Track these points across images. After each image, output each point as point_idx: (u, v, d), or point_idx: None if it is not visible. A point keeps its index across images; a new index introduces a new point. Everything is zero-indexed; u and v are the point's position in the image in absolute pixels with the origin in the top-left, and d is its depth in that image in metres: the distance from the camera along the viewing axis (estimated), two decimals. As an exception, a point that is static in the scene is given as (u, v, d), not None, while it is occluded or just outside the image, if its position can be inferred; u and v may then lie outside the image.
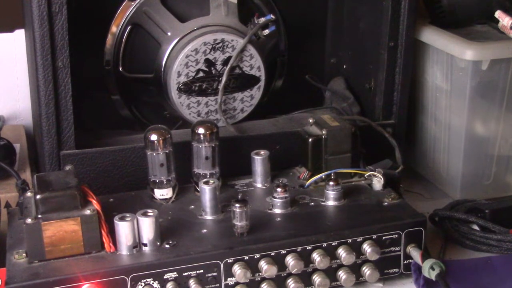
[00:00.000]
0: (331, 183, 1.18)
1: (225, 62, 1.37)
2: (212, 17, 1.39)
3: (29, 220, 1.02)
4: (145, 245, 1.06)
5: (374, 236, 1.12)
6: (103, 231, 1.05)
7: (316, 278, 1.09)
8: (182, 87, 1.36)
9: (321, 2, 1.54)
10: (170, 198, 1.20)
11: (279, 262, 1.07)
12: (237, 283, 1.07)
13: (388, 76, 1.38)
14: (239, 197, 1.15)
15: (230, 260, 1.06)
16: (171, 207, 1.19)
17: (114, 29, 1.38)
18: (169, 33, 1.37)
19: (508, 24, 1.35)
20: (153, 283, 1.03)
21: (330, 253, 1.09)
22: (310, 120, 1.28)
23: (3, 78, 1.58)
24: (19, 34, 1.55)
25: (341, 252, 1.10)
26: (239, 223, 1.08)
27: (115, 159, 1.26)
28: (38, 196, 1.03)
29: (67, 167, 1.15)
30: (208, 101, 1.39)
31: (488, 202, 1.32)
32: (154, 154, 1.19)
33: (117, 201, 1.20)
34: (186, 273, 1.04)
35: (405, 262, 1.15)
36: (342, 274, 1.11)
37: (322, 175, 1.24)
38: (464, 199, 1.37)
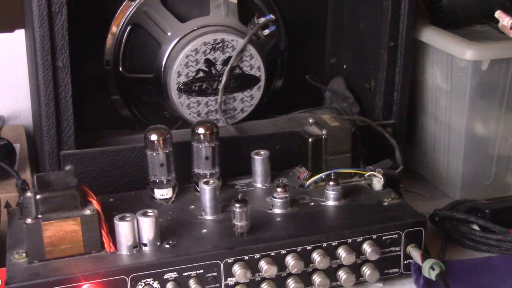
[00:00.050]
0: (331, 183, 1.18)
1: (225, 62, 1.37)
2: (212, 17, 1.39)
3: (29, 220, 1.02)
4: (145, 245, 1.06)
5: (374, 236, 1.12)
6: (103, 231, 1.05)
7: (316, 278, 1.09)
8: (182, 87, 1.36)
9: (321, 2, 1.54)
10: (170, 198, 1.20)
11: (279, 262, 1.07)
12: (237, 283, 1.07)
13: (388, 76, 1.38)
14: (239, 197, 1.15)
15: (230, 260, 1.06)
16: (171, 207, 1.19)
17: (114, 29, 1.38)
18: (169, 33, 1.37)
19: (508, 24, 1.35)
20: (153, 283, 1.03)
21: (330, 253, 1.09)
22: (310, 120, 1.28)
23: (3, 78, 1.58)
24: (19, 34, 1.55)
25: (341, 252, 1.10)
26: (239, 223, 1.08)
27: (115, 159, 1.26)
28: (38, 196, 1.03)
29: (67, 167, 1.15)
30: (208, 101, 1.39)
31: (488, 202, 1.32)
32: (154, 154, 1.19)
33: (117, 201, 1.20)
34: (186, 273, 1.04)
35: (405, 262, 1.15)
36: (342, 274, 1.11)
37: (322, 175, 1.24)
38: (464, 199, 1.37)
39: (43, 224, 1.02)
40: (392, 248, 1.13)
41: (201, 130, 1.21)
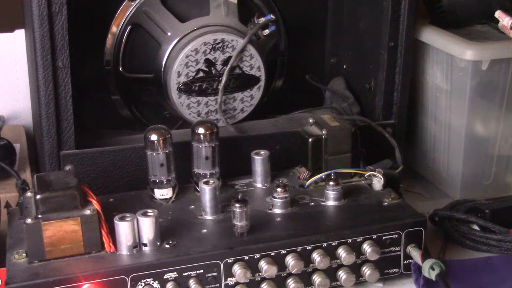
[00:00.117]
0: (331, 183, 1.18)
1: (225, 62, 1.37)
2: (212, 17, 1.39)
3: (29, 220, 1.02)
4: (145, 245, 1.06)
5: (374, 236, 1.12)
6: (103, 231, 1.05)
7: (316, 278, 1.09)
8: (182, 87, 1.36)
9: (321, 2, 1.54)
10: (170, 198, 1.20)
11: (279, 262, 1.07)
12: (237, 283, 1.07)
13: (388, 76, 1.38)
14: (239, 197, 1.15)
15: (230, 260, 1.06)
16: (171, 207, 1.19)
17: (114, 29, 1.38)
18: (169, 33, 1.37)
19: (508, 24, 1.35)
20: (153, 283, 1.03)
21: (330, 253, 1.09)
22: (310, 120, 1.28)
23: (3, 78, 1.58)
24: (19, 34, 1.55)
25: (341, 252, 1.10)
26: (239, 223, 1.08)
27: (115, 159, 1.26)
28: (38, 196, 1.03)
29: (67, 167, 1.15)
30: (208, 101, 1.39)
31: (488, 202, 1.32)
32: (154, 154, 1.19)
33: (117, 201, 1.20)
34: (186, 273, 1.04)
35: (405, 262, 1.15)
36: (342, 274, 1.11)
37: (322, 175, 1.24)
38: (464, 199, 1.37)
39: (43, 224, 1.02)
40: (392, 248, 1.13)
41: (201, 130, 1.21)
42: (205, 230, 1.11)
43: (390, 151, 1.33)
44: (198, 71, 1.36)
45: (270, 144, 1.31)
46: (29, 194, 1.12)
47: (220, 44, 1.36)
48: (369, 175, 1.24)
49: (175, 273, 1.04)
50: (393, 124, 1.40)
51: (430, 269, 1.09)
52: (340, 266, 1.11)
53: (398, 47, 1.37)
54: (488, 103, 1.37)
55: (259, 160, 1.24)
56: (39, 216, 1.02)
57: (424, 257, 1.11)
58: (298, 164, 1.30)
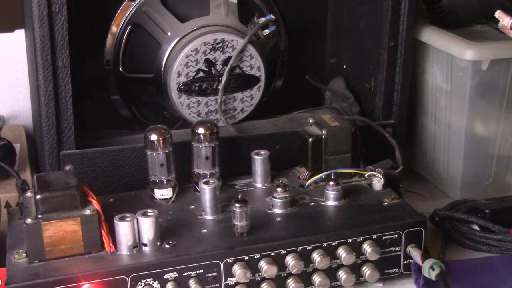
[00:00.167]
0: (331, 183, 1.18)
1: (225, 62, 1.37)
2: (212, 17, 1.39)
3: (29, 220, 1.02)
4: (145, 245, 1.06)
5: (374, 236, 1.12)
6: (103, 231, 1.05)
7: (316, 278, 1.09)
8: (182, 87, 1.36)
9: (321, 2, 1.54)
10: (170, 198, 1.20)
11: (279, 262, 1.07)
12: (237, 283, 1.07)
13: (388, 76, 1.38)
14: (239, 197, 1.15)
15: (230, 260, 1.06)
16: (171, 207, 1.19)
17: (114, 29, 1.38)
18: (169, 33, 1.37)
19: (508, 24, 1.35)
20: (153, 283, 1.03)
21: (330, 253, 1.09)
22: (310, 120, 1.28)
23: (3, 78, 1.58)
24: (19, 34, 1.55)
25: (341, 252, 1.10)
26: (239, 223, 1.08)
27: (115, 159, 1.26)
28: (38, 196, 1.03)
29: (67, 167, 1.15)
30: (208, 101, 1.39)
31: (488, 202, 1.32)
32: (154, 154, 1.19)
33: (117, 201, 1.20)
34: (186, 273, 1.04)
35: (405, 262, 1.15)
36: (342, 274, 1.11)
37: (322, 175, 1.24)
38: (464, 199, 1.37)
39: (43, 224, 1.02)
40: (392, 248, 1.13)
41: (201, 130, 1.21)
42: (205, 230, 1.11)
43: (390, 151, 1.33)
44: (198, 71, 1.36)
45: (270, 144, 1.31)
46: (29, 194, 1.12)
47: (220, 44, 1.36)
48: (369, 175, 1.24)
49: (175, 273, 1.04)
50: (393, 124, 1.40)
51: (430, 269, 1.09)
52: (340, 266, 1.11)
53: (398, 47, 1.37)
54: (488, 103, 1.37)
55: (259, 160, 1.24)
56: (39, 216, 1.02)
57: (424, 257, 1.11)
58: (298, 164, 1.30)
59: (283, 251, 1.08)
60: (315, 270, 1.10)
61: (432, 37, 1.40)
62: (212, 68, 1.37)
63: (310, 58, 1.57)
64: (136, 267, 1.03)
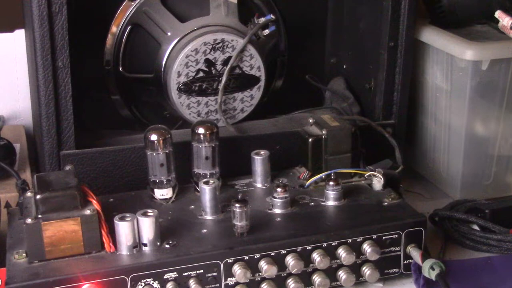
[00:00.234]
0: (331, 183, 1.18)
1: (225, 62, 1.37)
2: (212, 17, 1.39)
3: (29, 220, 1.02)
4: (145, 245, 1.06)
5: (374, 236, 1.12)
6: (103, 231, 1.05)
7: (316, 278, 1.09)
8: (182, 87, 1.36)
9: (321, 2, 1.54)
10: (170, 198, 1.20)
11: (279, 262, 1.07)
12: (237, 283, 1.07)
13: (388, 76, 1.38)
14: (239, 197, 1.15)
15: (230, 260, 1.06)
16: (171, 207, 1.19)
17: (114, 29, 1.38)
18: (169, 33, 1.37)
19: (508, 24, 1.35)
20: (153, 283, 1.03)
21: (330, 253, 1.09)
22: (310, 120, 1.28)
23: (3, 78, 1.58)
24: (19, 34, 1.55)
25: (341, 252, 1.10)
26: (239, 223, 1.08)
27: (115, 159, 1.26)
28: (38, 196, 1.03)
29: (67, 167, 1.15)
30: (208, 101, 1.39)
31: (488, 202, 1.32)
32: (154, 154, 1.19)
33: (117, 201, 1.20)
34: (186, 273, 1.04)
35: (405, 262, 1.15)
36: (342, 274, 1.11)
37: (322, 175, 1.24)
38: (464, 199, 1.37)
39: (43, 224, 1.02)
40: (392, 248, 1.13)
41: (201, 130, 1.21)
42: (205, 230, 1.11)
43: (390, 151, 1.33)
44: (198, 71, 1.36)
45: (270, 144, 1.31)
46: (29, 194, 1.12)
47: (220, 44, 1.36)
48: (369, 175, 1.24)
49: (175, 273, 1.04)
50: (393, 124, 1.40)
51: (430, 269, 1.09)
52: (340, 266, 1.11)
53: (398, 47, 1.37)
54: (488, 103, 1.37)
55: (259, 160, 1.24)
56: (39, 216, 1.02)
57: (424, 257, 1.11)
58: (298, 164, 1.30)
59: (283, 251, 1.08)
60: (315, 270, 1.10)
61: (432, 37, 1.40)
62: (212, 68, 1.37)
63: (310, 58, 1.57)
64: (136, 267, 1.03)
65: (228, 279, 1.06)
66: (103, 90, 1.41)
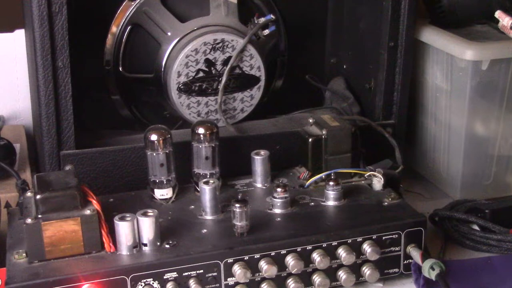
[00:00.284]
0: (331, 183, 1.18)
1: (225, 62, 1.37)
2: (212, 17, 1.39)
3: (29, 220, 1.02)
4: (145, 245, 1.06)
5: (374, 236, 1.12)
6: (103, 231, 1.05)
7: (316, 278, 1.09)
8: (182, 87, 1.36)
9: (321, 2, 1.54)
10: (170, 198, 1.20)
11: (279, 262, 1.07)
12: (237, 283, 1.07)
13: (388, 76, 1.38)
14: (239, 197, 1.15)
15: (230, 260, 1.06)
16: (171, 207, 1.19)
17: (114, 29, 1.38)
18: (169, 33, 1.37)
19: (508, 24, 1.35)
20: (153, 283, 1.03)
21: (330, 253, 1.09)
22: (310, 120, 1.28)
23: (3, 78, 1.58)
24: (19, 34, 1.55)
25: (341, 252, 1.10)
26: (239, 223, 1.08)
27: (115, 159, 1.26)
28: (38, 196, 1.03)
29: (67, 167, 1.15)
30: (208, 101, 1.39)
31: (488, 202, 1.32)
32: (154, 154, 1.19)
33: (117, 201, 1.20)
34: (186, 273, 1.04)
35: (405, 262, 1.14)
36: (342, 274, 1.11)
37: (322, 175, 1.24)
38: (464, 199, 1.37)
39: (43, 224, 1.02)
40: (392, 248, 1.13)
41: (201, 130, 1.21)
42: (205, 230, 1.11)
43: (390, 151, 1.33)
44: (198, 71, 1.36)
45: (270, 144, 1.31)
46: (29, 194, 1.12)
47: (220, 44, 1.36)
48: (369, 175, 1.24)
49: (175, 273, 1.04)
50: (393, 124, 1.40)
51: (430, 269, 1.09)
52: (340, 266, 1.11)
53: (398, 47, 1.37)
54: (488, 103, 1.37)
55: (259, 160, 1.24)
56: (39, 216, 1.02)
57: (424, 257, 1.11)
58: (298, 164, 1.30)
59: (283, 251, 1.08)
60: (315, 270, 1.10)
61: (432, 37, 1.40)
62: (212, 68, 1.37)
63: (310, 58, 1.57)
64: (136, 267, 1.03)
65: (228, 279, 1.06)
66: (103, 90, 1.41)
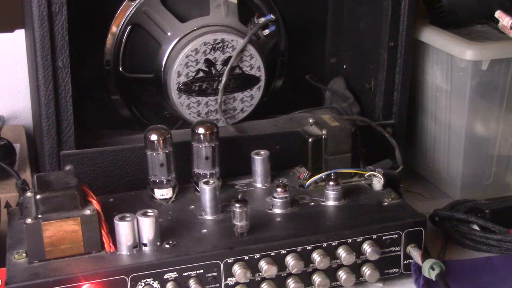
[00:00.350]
0: (331, 183, 1.18)
1: (225, 62, 1.37)
2: (212, 17, 1.39)
3: (29, 220, 1.02)
4: (145, 245, 1.06)
5: (374, 236, 1.12)
6: (103, 231, 1.05)
7: (316, 278, 1.09)
8: (182, 87, 1.36)
9: (321, 2, 1.54)
10: (170, 198, 1.20)
11: (279, 262, 1.07)
12: (237, 283, 1.07)
13: (388, 76, 1.38)
14: (239, 197, 1.15)
15: (230, 260, 1.06)
16: (171, 207, 1.19)
17: (114, 29, 1.38)
18: (169, 33, 1.37)
19: (508, 24, 1.35)
20: (153, 283, 1.03)
21: (330, 253, 1.09)
22: (310, 120, 1.28)
23: (3, 78, 1.58)
24: (19, 34, 1.55)
25: (341, 252, 1.10)
26: (239, 223, 1.08)
27: (115, 159, 1.26)
28: (38, 196, 1.03)
29: (67, 167, 1.15)
30: (208, 101, 1.39)
31: (488, 202, 1.32)
32: (154, 154, 1.19)
33: (117, 201, 1.20)
34: (186, 273, 1.04)
35: (405, 262, 1.15)
36: (342, 274, 1.11)
37: (322, 175, 1.24)
38: (464, 199, 1.37)
39: (43, 224, 1.02)
40: (392, 248, 1.13)
41: (201, 130, 1.21)
42: (205, 230, 1.11)
43: (390, 151, 1.33)
44: (198, 71, 1.36)
45: (270, 144, 1.31)
46: (29, 194, 1.12)
47: (220, 44, 1.36)
48: (369, 175, 1.24)
49: (175, 273, 1.04)
50: (393, 124, 1.40)
51: (430, 269, 1.09)
52: (340, 266, 1.11)
53: (398, 47, 1.37)
54: (488, 103, 1.37)
55: (259, 160, 1.24)
56: (39, 216, 1.02)
57: (424, 257, 1.11)
58: (298, 164, 1.30)
59: (283, 251, 1.08)
60: (315, 270, 1.10)
61: (432, 37, 1.40)
62: (212, 68, 1.37)
63: (310, 58, 1.57)
64: (136, 267, 1.03)
65: (228, 279, 1.06)
66: (103, 90, 1.41)
